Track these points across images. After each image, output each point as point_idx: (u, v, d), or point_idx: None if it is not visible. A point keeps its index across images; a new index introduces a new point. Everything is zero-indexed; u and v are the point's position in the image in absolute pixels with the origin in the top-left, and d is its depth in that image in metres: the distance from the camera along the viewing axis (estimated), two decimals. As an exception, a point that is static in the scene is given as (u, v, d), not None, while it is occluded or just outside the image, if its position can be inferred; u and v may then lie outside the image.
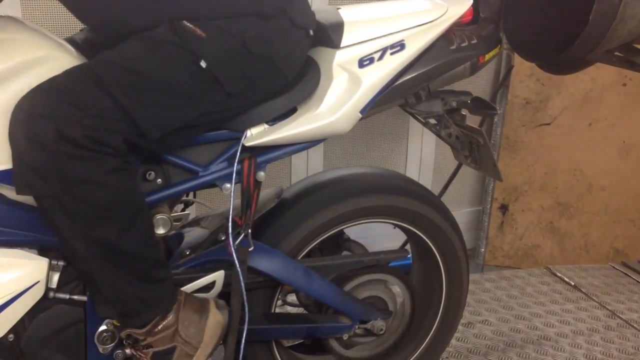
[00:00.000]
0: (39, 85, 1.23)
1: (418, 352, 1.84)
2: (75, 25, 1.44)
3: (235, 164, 1.42)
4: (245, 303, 1.45)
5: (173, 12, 1.29)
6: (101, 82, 1.22)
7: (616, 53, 1.69)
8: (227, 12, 1.32)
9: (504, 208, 2.89)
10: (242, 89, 1.35)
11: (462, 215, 2.89)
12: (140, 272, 1.33)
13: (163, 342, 1.38)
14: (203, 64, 1.28)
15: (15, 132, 1.20)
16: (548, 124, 2.79)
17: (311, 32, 1.46)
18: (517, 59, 2.09)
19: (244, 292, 1.44)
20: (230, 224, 1.43)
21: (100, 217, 1.25)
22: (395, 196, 1.66)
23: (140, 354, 1.39)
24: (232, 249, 1.42)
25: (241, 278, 1.43)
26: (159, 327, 1.37)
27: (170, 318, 1.38)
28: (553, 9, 1.59)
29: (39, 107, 1.19)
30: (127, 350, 1.44)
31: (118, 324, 1.40)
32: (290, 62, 1.42)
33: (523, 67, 2.65)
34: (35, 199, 1.25)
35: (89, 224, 1.24)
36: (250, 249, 1.47)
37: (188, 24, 1.28)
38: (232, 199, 1.42)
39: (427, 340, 1.84)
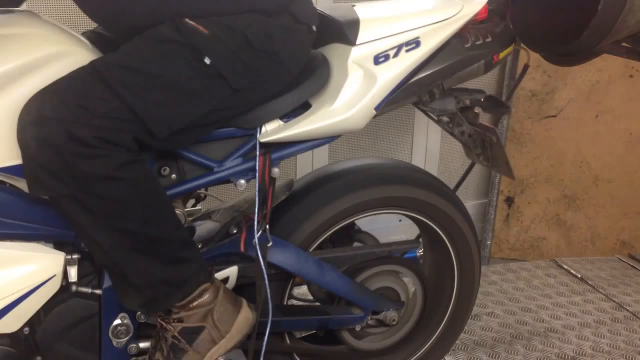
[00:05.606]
0: (45, 87, 1.22)
1: (430, 342, 1.86)
2: (87, 22, 1.44)
3: (257, 159, 1.42)
4: (269, 297, 1.46)
5: (176, 10, 1.30)
6: (108, 82, 1.22)
7: (623, 44, 1.68)
8: (230, 9, 1.33)
9: (509, 200, 2.90)
10: (248, 84, 1.35)
11: (467, 207, 2.86)
12: (168, 255, 1.34)
13: (194, 320, 1.39)
14: (207, 60, 1.29)
15: (25, 135, 1.20)
16: (554, 116, 2.79)
17: (314, 28, 1.47)
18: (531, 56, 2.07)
19: (268, 288, 1.45)
20: (255, 222, 1.44)
21: (121, 209, 1.25)
22: (407, 187, 1.67)
23: (169, 326, 1.40)
24: (257, 246, 1.44)
25: (265, 275, 1.44)
26: (195, 303, 1.38)
27: (207, 296, 1.39)
28: None
29: (48, 110, 1.19)
30: (142, 344, 1.46)
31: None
32: (294, 57, 1.42)
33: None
34: (51, 198, 1.26)
35: (111, 217, 1.25)
36: (269, 245, 1.48)
37: (190, 22, 1.29)
38: (257, 195, 1.43)
39: (438, 331, 1.86)
